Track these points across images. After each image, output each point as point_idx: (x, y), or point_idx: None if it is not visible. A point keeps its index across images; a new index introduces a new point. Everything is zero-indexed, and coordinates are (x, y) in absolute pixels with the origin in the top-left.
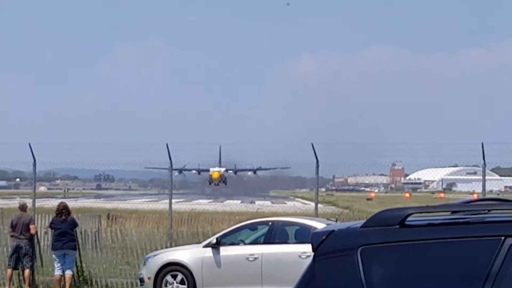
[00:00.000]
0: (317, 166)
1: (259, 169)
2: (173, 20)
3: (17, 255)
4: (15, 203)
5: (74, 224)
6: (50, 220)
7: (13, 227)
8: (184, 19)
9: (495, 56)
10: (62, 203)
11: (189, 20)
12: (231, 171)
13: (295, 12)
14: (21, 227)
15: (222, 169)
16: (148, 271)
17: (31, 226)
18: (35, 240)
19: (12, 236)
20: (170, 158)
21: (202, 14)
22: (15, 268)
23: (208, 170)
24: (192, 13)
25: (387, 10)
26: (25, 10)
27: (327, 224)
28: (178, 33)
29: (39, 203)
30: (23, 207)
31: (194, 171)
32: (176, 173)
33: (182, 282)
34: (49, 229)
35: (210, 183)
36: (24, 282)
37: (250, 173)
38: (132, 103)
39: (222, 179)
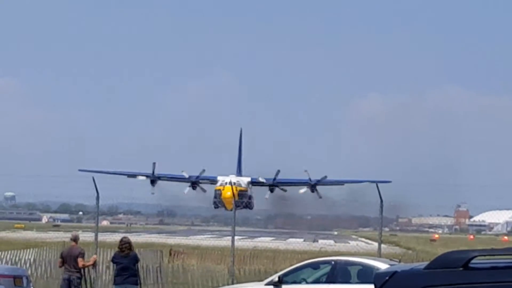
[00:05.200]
0: (381, 206)
1: (319, 182)
2: (242, 54)
3: (67, 287)
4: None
5: (136, 259)
6: (112, 254)
7: (63, 258)
8: (254, 55)
9: None
10: (124, 237)
11: (258, 56)
12: (259, 185)
13: (363, 50)
14: (71, 259)
15: (245, 180)
16: None
17: (79, 260)
18: (91, 273)
19: (62, 267)
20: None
21: (270, 51)
22: None
23: (213, 180)
24: (261, 49)
25: (455, 51)
26: (95, 47)
27: (390, 265)
28: (246, 68)
29: (101, 237)
30: (75, 239)
31: (187, 186)
32: (142, 178)
33: None
34: (111, 264)
35: (216, 205)
36: None
37: (303, 190)
38: (198, 137)
39: (245, 200)
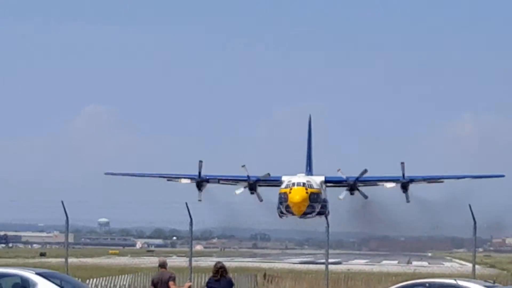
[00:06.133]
0: (475, 227)
1: (413, 179)
2: (331, 81)
3: None
4: (171, 261)
5: (231, 284)
6: (207, 279)
7: (155, 284)
8: (344, 82)
9: None
10: (219, 262)
11: (347, 82)
12: (336, 186)
13: (455, 72)
14: (163, 284)
15: (318, 179)
16: None
17: (170, 283)
18: None
19: None
20: None
21: (358, 76)
22: None
23: (277, 180)
24: (348, 75)
25: None
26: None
27: (485, 286)
28: (336, 96)
29: (195, 262)
30: (163, 265)
31: (241, 187)
32: (186, 181)
33: None
34: None
35: (282, 213)
36: None
37: (390, 184)
38: (287, 163)
39: (318, 204)
